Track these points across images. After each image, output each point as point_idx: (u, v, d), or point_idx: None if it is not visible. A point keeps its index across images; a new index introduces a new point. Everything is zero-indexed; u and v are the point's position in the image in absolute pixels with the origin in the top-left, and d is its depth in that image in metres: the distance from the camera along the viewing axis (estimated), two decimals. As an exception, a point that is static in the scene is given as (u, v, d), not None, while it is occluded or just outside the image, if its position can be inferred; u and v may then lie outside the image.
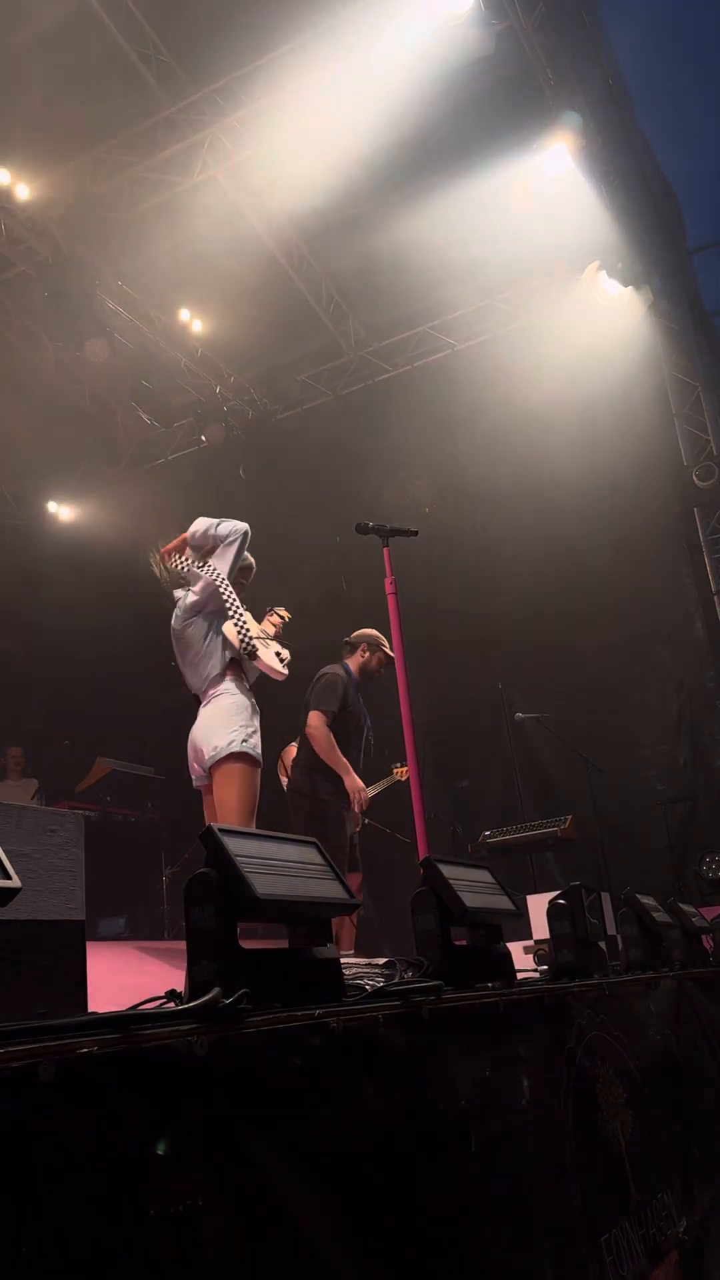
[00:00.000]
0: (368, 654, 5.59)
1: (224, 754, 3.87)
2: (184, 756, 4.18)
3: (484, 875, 2.39)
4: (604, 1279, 1.91)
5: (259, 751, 3.96)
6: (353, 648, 5.58)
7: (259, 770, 3.95)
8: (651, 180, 8.32)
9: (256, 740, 3.97)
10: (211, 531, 4.16)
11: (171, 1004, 1.52)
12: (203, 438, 9.98)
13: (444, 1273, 1.49)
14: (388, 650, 5.47)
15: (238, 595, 4.12)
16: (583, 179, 7.35)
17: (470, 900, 2.10)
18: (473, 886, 2.21)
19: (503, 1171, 1.74)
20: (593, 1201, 1.99)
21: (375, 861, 8.11)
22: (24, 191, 7.57)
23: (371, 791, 6.96)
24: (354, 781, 5.20)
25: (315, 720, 5.20)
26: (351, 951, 5.99)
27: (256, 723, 4.03)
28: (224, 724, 3.95)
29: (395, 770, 6.86)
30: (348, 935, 6.36)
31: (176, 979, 3.91)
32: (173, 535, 11.75)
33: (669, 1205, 2.34)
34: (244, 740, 3.91)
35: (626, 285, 8.18)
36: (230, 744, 3.88)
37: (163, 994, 1.63)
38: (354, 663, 5.54)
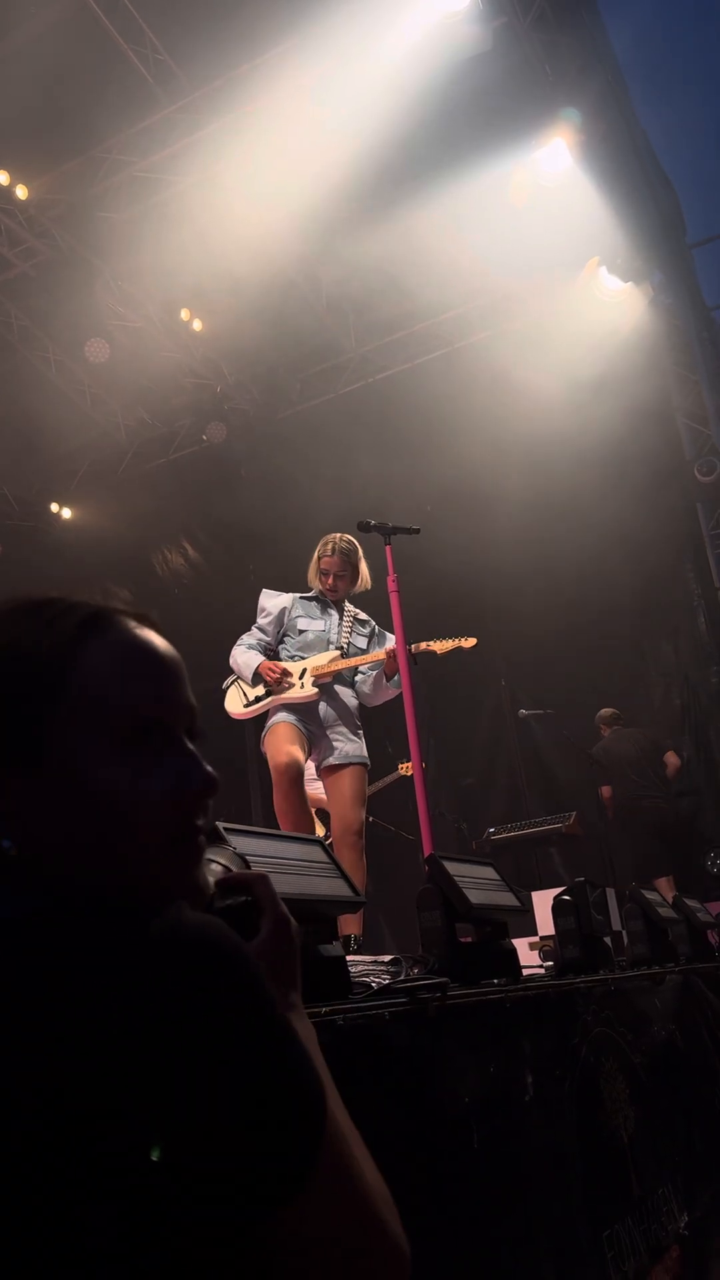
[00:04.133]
0: None
1: None
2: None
3: (489, 872, 2.39)
4: (605, 1275, 1.91)
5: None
6: None
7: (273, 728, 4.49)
8: (651, 175, 8.29)
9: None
10: None
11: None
12: (204, 437, 9.98)
13: (445, 1269, 1.49)
14: None
15: (318, 589, 4.73)
16: (581, 175, 7.33)
17: (475, 897, 2.11)
18: (478, 883, 2.21)
19: (505, 1168, 1.75)
20: (594, 1197, 1.99)
21: (380, 859, 8.13)
22: (23, 192, 7.59)
23: (374, 789, 7.01)
24: None
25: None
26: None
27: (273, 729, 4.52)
28: None
29: (400, 767, 6.89)
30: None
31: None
32: (175, 535, 11.72)
33: (670, 1200, 2.34)
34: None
35: (626, 281, 8.16)
36: None
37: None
38: None
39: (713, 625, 8.29)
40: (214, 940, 0.74)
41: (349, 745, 4.50)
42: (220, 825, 1.51)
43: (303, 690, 4.48)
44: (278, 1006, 0.75)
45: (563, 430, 7.89)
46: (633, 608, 8.46)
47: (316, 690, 4.49)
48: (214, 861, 1.03)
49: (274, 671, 4.49)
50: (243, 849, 1.50)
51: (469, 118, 7.05)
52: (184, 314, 9.07)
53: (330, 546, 4.71)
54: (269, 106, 6.93)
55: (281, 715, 4.48)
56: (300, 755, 4.36)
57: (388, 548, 4.36)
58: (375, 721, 7.43)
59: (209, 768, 0.87)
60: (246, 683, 4.63)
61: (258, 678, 4.53)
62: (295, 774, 4.31)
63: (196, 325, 9.19)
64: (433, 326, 9.23)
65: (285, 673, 4.49)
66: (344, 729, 4.53)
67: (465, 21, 6.28)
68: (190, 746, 0.87)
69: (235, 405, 9.99)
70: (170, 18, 6.86)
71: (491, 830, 7.44)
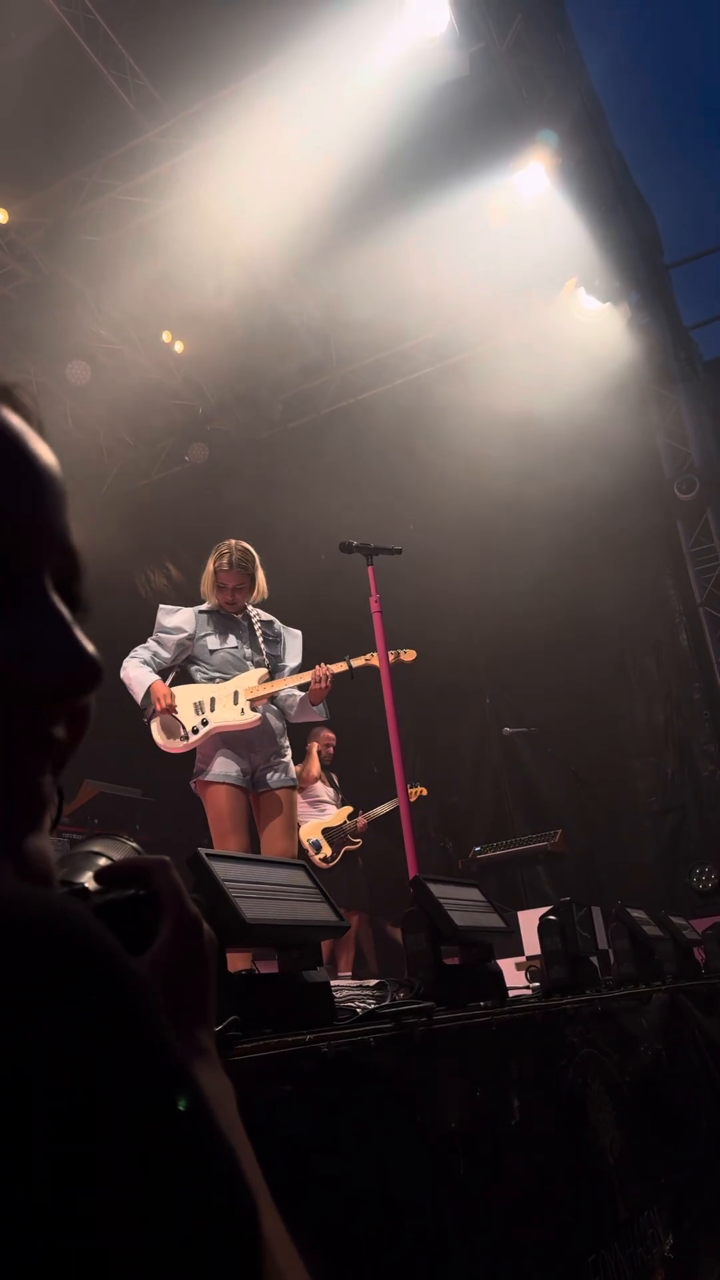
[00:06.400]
0: None
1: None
2: (170, 778, 4.26)
3: (474, 893, 2.39)
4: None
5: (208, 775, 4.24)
6: None
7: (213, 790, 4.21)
8: (627, 196, 8.39)
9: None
10: None
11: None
12: (186, 458, 9.99)
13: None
14: None
15: (214, 602, 4.42)
16: (559, 197, 7.41)
17: (461, 919, 2.10)
18: (463, 905, 2.21)
19: (490, 1193, 1.73)
20: (580, 1221, 1.98)
21: (365, 879, 8.09)
22: (3, 215, 7.60)
23: (372, 815, 6.98)
24: None
25: None
26: (349, 974, 5.99)
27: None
28: None
29: (411, 792, 6.84)
30: (345, 958, 6.37)
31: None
32: (158, 556, 11.70)
33: (656, 1223, 2.33)
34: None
35: (605, 301, 8.24)
36: None
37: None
38: None
39: (694, 641, 8.34)
40: (59, 933, 0.40)
41: (277, 771, 4.27)
42: (202, 852, 1.50)
43: (244, 717, 4.18)
44: (174, 1052, 0.42)
45: (543, 449, 7.95)
46: (615, 624, 8.49)
47: (258, 715, 4.19)
48: (100, 855, 0.74)
49: (163, 701, 4.19)
50: (226, 875, 1.49)
51: (447, 141, 7.12)
52: (165, 336, 9.09)
53: (226, 560, 4.33)
54: (249, 130, 6.97)
55: (222, 769, 4.16)
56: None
57: (370, 568, 4.36)
58: (360, 740, 7.45)
59: (87, 645, 0.56)
60: (135, 699, 4.29)
61: (147, 699, 4.23)
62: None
63: (178, 347, 9.21)
64: (413, 347, 9.29)
65: (171, 708, 4.20)
66: (273, 753, 4.30)
67: (442, 47, 6.35)
68: (58, 605, 0.56)
69: (217, 426, 10.00)
70: (150, 43, 6.91)
71: (477, 849, 7.44)
